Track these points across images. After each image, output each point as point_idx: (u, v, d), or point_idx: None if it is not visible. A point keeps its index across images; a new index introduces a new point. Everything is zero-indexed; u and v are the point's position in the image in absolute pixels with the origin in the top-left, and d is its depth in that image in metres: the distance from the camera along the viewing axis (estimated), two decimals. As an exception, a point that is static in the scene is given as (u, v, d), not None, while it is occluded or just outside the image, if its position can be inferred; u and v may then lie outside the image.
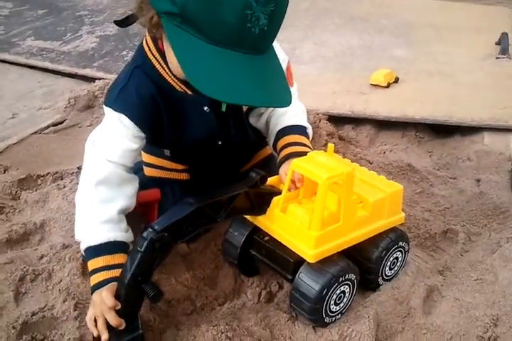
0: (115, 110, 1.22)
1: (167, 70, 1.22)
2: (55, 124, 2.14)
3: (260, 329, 1.18)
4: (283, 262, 1.18)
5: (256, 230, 1.24)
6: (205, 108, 1.27)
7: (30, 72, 2.64)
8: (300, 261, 1.14)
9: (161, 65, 1.22)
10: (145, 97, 1.22)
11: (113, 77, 2.40)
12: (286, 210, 1.19)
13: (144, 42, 1.25)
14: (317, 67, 2.53)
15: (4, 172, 1.83)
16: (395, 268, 1.30)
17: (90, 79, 2.49)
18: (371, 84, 2.32)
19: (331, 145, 1.22)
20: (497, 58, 2.61)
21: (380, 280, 1.27)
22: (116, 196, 1.23)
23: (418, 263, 1.39)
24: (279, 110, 1.41)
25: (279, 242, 1.17)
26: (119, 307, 1.06)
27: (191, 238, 1.19)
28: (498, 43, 2.78)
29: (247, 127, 1.42)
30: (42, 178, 1.79)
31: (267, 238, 1.21)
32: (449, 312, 1.24)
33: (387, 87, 2.29)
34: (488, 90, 2.25)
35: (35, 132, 2.07)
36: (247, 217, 1.24)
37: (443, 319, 1.22)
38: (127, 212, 1.26)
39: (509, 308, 1.22)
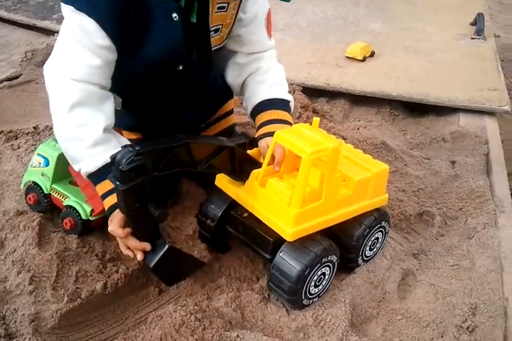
0: (77, 9, 1.04)
1: None
2: (9, 79, 2.01)
3: (231, 311, 1.11)
4: (262, 241, 1.11)
5: (233, 205, 1.17)
6: (174, 15, 1.11)
7: (-17, 21, 2.47)
8: (280, 241, 1.08)
9: None
10: None
11: (74, 31, 2.27)
12: (265, 184, 1.12)
13: None
14: (292, 36, 2.44)
15: (-48, 129, 1.68)
16: (374, 250, 1.26)
17: (49, 32, 2.35)
18: (347, 57, 2.25)
19: (316, 120, 1.16)
20: (472, 38, 2.57)
21: (359, 260, 1.23)
22: (96, 115, 1.11)
23: (393, 245, 1.35)
24: (258, 74, 1.32)
25: (259, 220, 1.11)
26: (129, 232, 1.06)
27: (171, 191, 1.18)
28: (473, 24, 2.74)
29: (212, 60, 1.28)
30: (-6, 137, 1.66)
31: (245, 214, 1.14)
32: (424, 298, 1.20)
33: (363, 60, 2.23)
34: (464, 71, 2.21)
35: (-12, 86, 1.92)
36: (226, 190, 1.17)
37: (418, 305, 1.18)
38: (111, 130, 1.15)
39: (487, 297, 1.19)
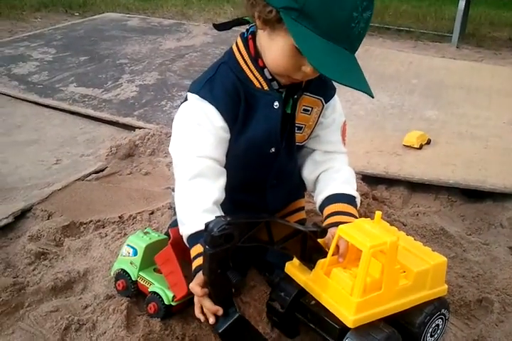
0: (201, 97, 1.31)
1: (252, 68, 1.31)
2: (96, 172, 2.21)
3: None
4: (329, 328, 1.20)
5: (302, 293, 1.28)
6: (276, 103, 1.33)
7: (72, 118, 2.75)
8: (346, 328, 1.17)
9: (246, 63, 1.32)
10: (229, 89, 1.31)
11: (153, 126, 2.53)
12: (330, 273, 1.23)
13: (234, 45, 1.35)
14: (350, 126, 2.52)
15: (48, 218, 1.89)
16: (435, 336, 1.32)
17: (130, 128, 2.59)
18: (404, 145, 2.38)
19: (378, 213, 1.25)
20: (526, 123, 2.66)
21: (421, 346, 1.29)
22: (212, 188, 1.28)
23: (454, 331, 1.41)
24: (331, 172, 1.49)
25: (325, 308, 1.21)
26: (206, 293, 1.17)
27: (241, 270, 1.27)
28: (527, 108, 2.84)
29: (294, 149, 1.47)
30: (84, 226, 1.85)
31: (313, 302, 1.24)
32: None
33: (420, 148, 2.35)
34: (519, 156, 2.30)
35: (78, 179, 2.14)
36: (294, 277, 1.28)
37: None
38: (219, 204, 1.30)
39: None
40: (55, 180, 2.13)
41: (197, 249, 1.24)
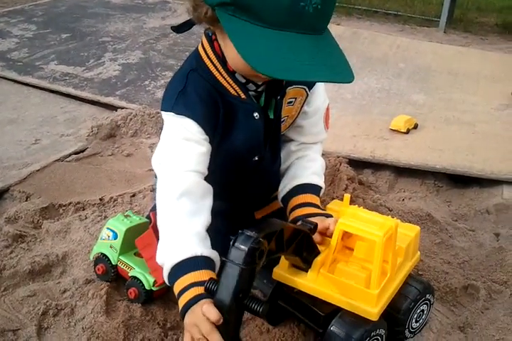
0: (177, 114, 1.20)
1: (223, 73, 1.21)
2: (77, 152, 2.16)
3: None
4: (313, 315, 1.18)
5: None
6: (255, 114, 1.26)
7: (52, 97, 2.68)
8: (330, 315, 1.15)
9: (217, 68, 1.21)
10: (205, 99, 1.21)
11: (135, 106, 2.46)
12: (334, 271, 1.17)
13: (200, 46, 1.25)
14: (337, 109, 2.55)
15: (26, 200, 1.84)
16: (420, 321, 1.31)
17: (112, 108, 2.53)
18: (391, 129, 2.35)
19: (347, 196, 1.24)
20: (514, 109, 2.65)
21: (407, 332, 1.27)
22: (200, 209, 1.17)
23: (440, 318, 1.40)
24: (305, 160, 1.44)
25: (308, 295, 1.17)
26: (221, 321, 0.94)
27: None
28: (514, 94, 2.82)
29: (279, 150, 1.43)
30: (64, 208, 1.81)
31: (296, 290, 1.21)
32: (472, 373, 1.24)
33: (407, 133, 2.32)
34: (507, 142, 2.28)
35: (58, 159, 2.09)
36: (288, 282, 1.20)
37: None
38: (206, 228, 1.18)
39: (533, 372, 1.22)
40: (34, 160, 2.07)
41: (183, 281, 1.07)
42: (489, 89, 2.91)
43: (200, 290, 1.04)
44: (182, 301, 1.05)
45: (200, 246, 1.11)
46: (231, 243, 0.95)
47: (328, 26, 1.09)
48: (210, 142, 1.24)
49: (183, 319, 1.03)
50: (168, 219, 1.17)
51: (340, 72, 1.06)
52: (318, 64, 1.03)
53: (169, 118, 1.23)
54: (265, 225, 1.00)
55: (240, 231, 0.96)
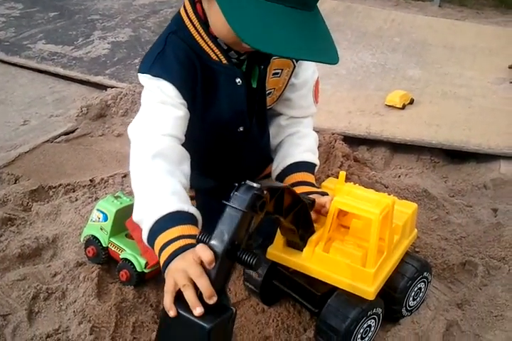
0: (154, 76, 1.16)
1: (205, 37, 1.16)
2: (66, 133, 2.12)
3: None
4: (309, 295, 1.16)
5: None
6: (238, 80, 1.21)
7: (41, 77, 2.62)
8: (326, 294, 1.12)
9: (198, 31, 1.17)
10: (183, 61, 1.17)
11: (125, 85, 2.41)
12: (329, 250, 1.14)
13: (182, 8, 1.20)
14: (331, 85, 2.51)
15: (15, 182, 1.81)
16: (417, 299, 1.29)
17: (102, 87, 2.48)
18: (386, 105, 2.31)
19: (342, 174, 1.21)
20: (511, 83, 2.60)
21: (404, 310, 1.25)
22: (177, 172, 1.12)
23: (437, 295, 1.38)
24: (296, 137, 1.40)
25: (304, 274, 1.15)
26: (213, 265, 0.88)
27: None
28: (511, 67, 2.78)
29: (267, 123, 1.39)
30: (54, 190, 1.77)
31: (291, 269, 1.19)
32: (470, 350, 1.22)
33: (403, 108, 2.28)
34: (504, 116, 2.24)
35: (47, 140, 2.05)
36: (284, 262, 1.18)
37: (464, 357, 1.20)
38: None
39: (532, 348, 1.20)
40: (23, 141, 2.04)
41: (168, 235, 1.02)
42: (486, 62, 2.86)
43: (187, 241, 0.99)
44: (167, 252, 0.99)
45: (183, 203, 1.07)
46: (233, 191, 0.91)
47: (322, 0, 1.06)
48: (192, 110, 1.20)
49: (164, 272, 0.97)
50: (144, 178, 1.12)
51: (325, 53, 1.04)
52: (304, 41, 1.01)
53: (146, 80, 1.18)
54: (268, 182, 0.97)
55: (242, 182, 0.92)
